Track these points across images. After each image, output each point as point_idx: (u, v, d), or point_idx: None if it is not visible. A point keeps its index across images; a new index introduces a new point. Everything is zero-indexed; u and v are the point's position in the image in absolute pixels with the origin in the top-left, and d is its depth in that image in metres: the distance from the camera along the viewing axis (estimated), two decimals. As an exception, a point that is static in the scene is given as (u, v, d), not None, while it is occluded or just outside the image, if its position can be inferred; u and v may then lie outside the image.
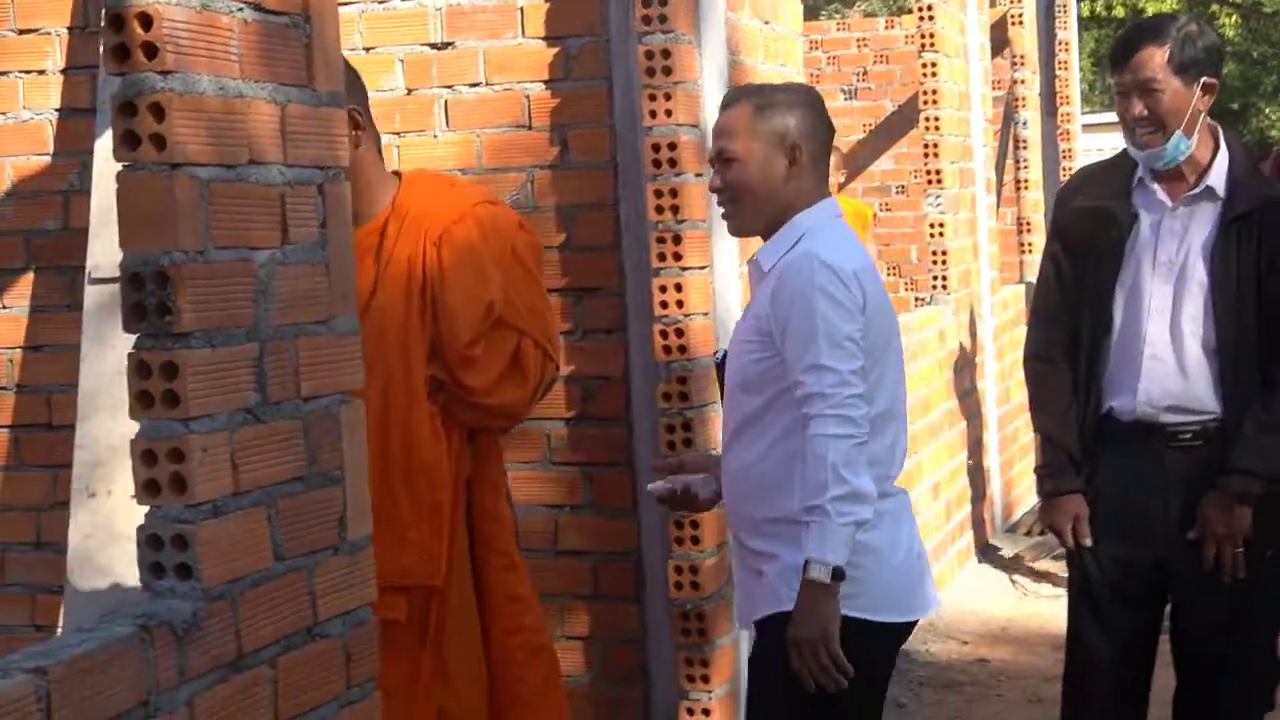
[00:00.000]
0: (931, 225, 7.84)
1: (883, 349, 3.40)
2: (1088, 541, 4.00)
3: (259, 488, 2.54)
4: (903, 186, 12.01)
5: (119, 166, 2.42)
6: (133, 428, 2.46)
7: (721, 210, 3.53)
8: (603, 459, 4.74)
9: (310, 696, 2.63)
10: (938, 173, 7.82)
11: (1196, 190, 3.91)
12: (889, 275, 12.02)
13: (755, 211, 3.46)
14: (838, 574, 3.20)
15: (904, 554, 3.46)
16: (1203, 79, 3.86)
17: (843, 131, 11.69)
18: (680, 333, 4.50)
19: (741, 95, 3.52)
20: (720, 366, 3.62)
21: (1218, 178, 3.91)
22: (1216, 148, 3.94)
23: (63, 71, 5.01)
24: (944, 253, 7.83)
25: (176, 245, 2.39)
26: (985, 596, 7.45)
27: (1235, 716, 4.00)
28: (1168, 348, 3.91)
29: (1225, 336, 3.85)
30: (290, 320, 2.64)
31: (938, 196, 7.80)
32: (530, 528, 4.76)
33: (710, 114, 4.60)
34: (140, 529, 2.41)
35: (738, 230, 3.55)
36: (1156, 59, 3.84)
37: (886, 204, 12.05)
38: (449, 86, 4.78)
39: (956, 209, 8.03)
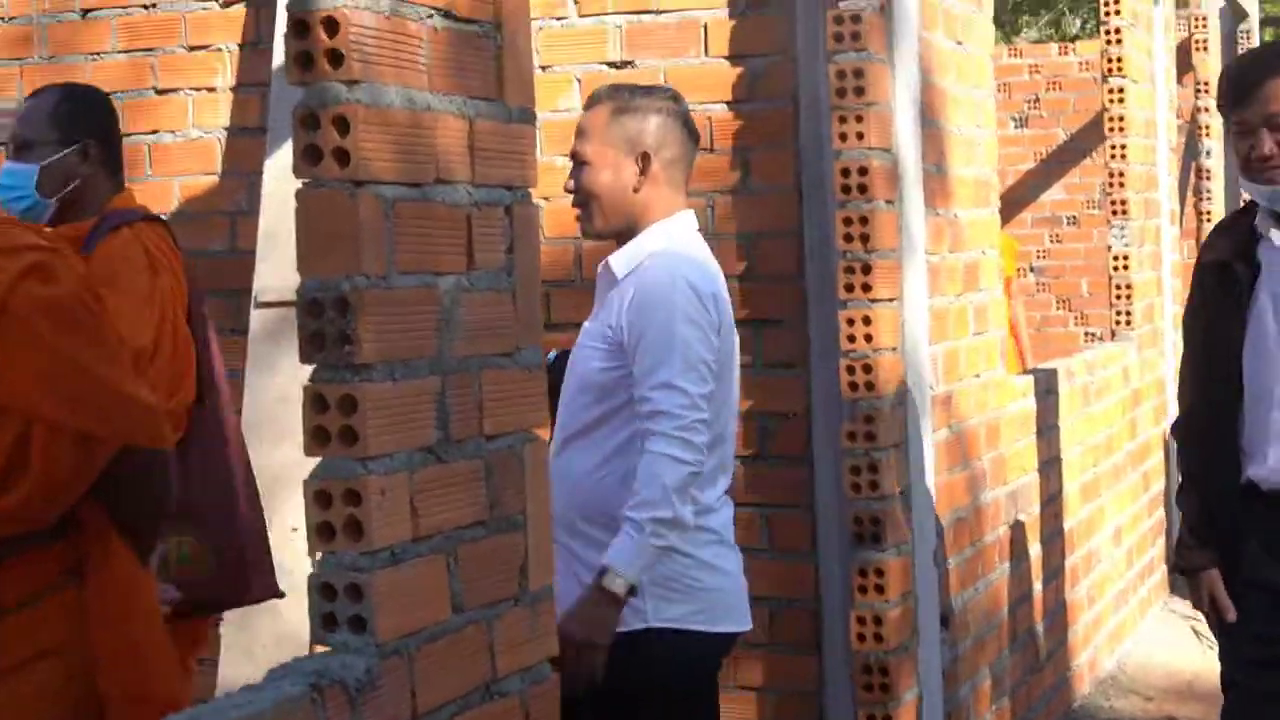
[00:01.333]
0: (1115, 258, 7.52)
1: (727, 372, 3.41)
2: (1230, 616, 3.66)
3: (439, 533, 2.34)
4: (1074, 217, 11.65)
5: (291, 186, 2.24)
6: (296, 456, 2.28)
7: (576, 212, 3.48)
8: (781, 500, 4.50)
9: (488, 760, 2.43)
10: (1123, 203, 7.50)
11: None
12: (1057, 309, 11.67)
13: (604, 217, 3.43)
14: (631, 590, 3.22)
15: (736, 565, 3.50)
16: None
17: (1012, 160, 11.39)
18: (868, 368, 4.26)
19: (602, 96, 3.46)
20: (550, 369, 3.51)
21: None
22: None
23: (232, 89, 4.90)
24: (1128, 286, 7.50)
25: (359, 269, 2.20)
26: (1169, 648, 7.10)
27: None
28: None
29: None
30: (474, 352, 2.44)
31: (1123, 228, 7.48)
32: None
33: (903, 138, 4.37)
34: (312, 577, 2.22)
35: (590, 234, 3.52)
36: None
37: (1057, 235, 11.70)
38: (627, 108, 4.58)
39: (1141, 241, 7.70)
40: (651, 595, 3.31)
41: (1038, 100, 11.69)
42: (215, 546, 3.48)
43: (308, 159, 2.20)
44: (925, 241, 4.50)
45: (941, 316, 4.71)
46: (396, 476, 2.26)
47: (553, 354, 3.58)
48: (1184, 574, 3.78)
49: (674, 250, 3.37)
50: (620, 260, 3.40)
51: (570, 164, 3.50)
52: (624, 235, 3.43)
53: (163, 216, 3.65)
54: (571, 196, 3.48)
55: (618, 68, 4.61)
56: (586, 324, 3.50)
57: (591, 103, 3.48)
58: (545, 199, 4.63)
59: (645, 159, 3.39)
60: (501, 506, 2.50)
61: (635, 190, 3.40)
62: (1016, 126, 11.71)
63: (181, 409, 3.42)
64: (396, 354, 2.27)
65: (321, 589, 2.21)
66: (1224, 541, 3.67)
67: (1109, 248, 7.56)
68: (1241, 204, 4.02)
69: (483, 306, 2.47)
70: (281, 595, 3.68)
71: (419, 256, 2.32)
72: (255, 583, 3.60)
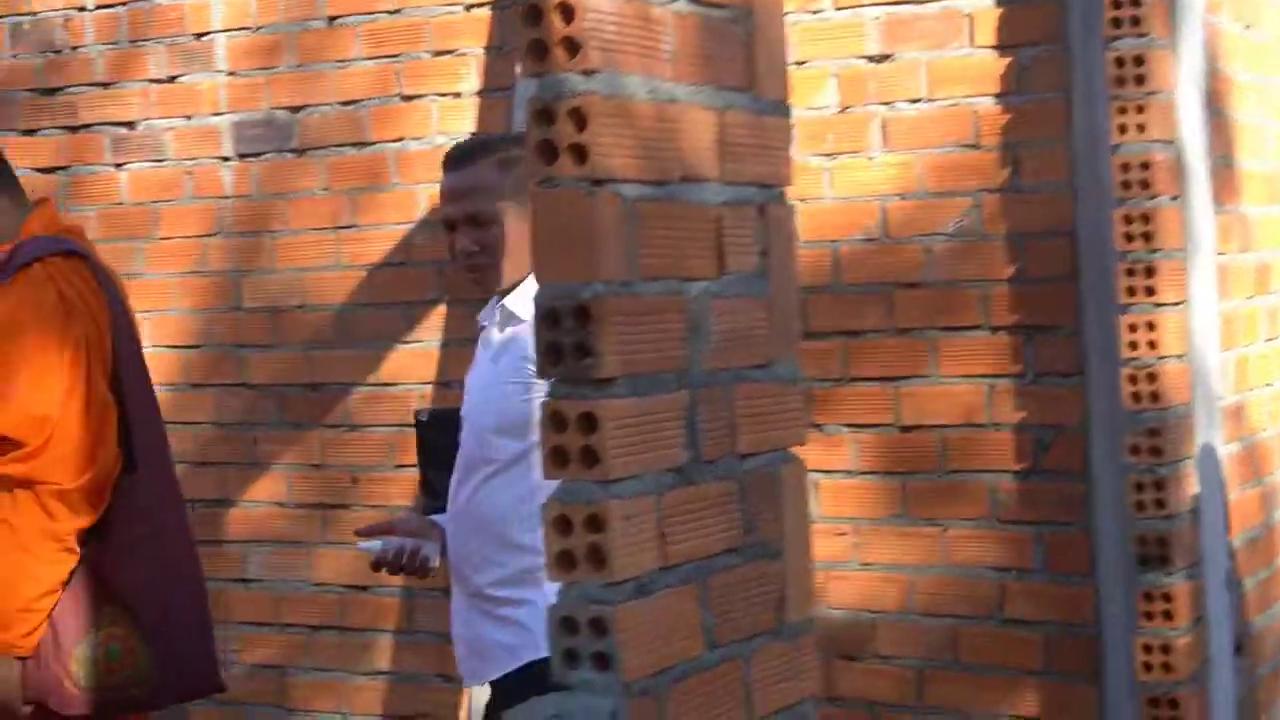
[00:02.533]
0: None
1: None
2: None
3: (689, 561, 2.15)
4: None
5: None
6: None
7: (470, 275, 3.39)
8: (1057, 518, 4.22)
9: (745, 810, 2.22)
10: None
11: None
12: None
13: (511, 271, 3.34)
14: None
15: None
16: None
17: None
18: (1152, 377, 3.96)
19: (474, 151, 3.41)
20: (424, 426, 3.65)
21: None
22: None
23: (478, 94, 4.78)
24: None
25: (599, 275, 2.02)
26: None
27: None
28: None
29: None
30: (726, 364, 2.25)
31: None
32: (974, 592, 4.29)
33: (1188, 128, 4.06)
34: (552, 609, 2.04)
35: (488, 292, 3.43)
36: None
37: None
38: (887, 103, 4.35)
39: None
40: None
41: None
42: (148, 638, 3.12)
43: (542, 156, 2.02)
44: (1213, 240, 4.17)
45: (1231, 321, 4.38)
46: (642, 500, 2.07)
47: (425, 413, 3.65)
48: None
49: None
50: (521, 301, 3.30)
51: (452, 227, 3.38)
52: (518, 280, 3.35)
53: (80, 249, 3.17)
54: (466, 259, 3.36)
55: (876, 61, 4.37)
56: (476, 374, 3.45)
57: (460, 161, 3.38)
58: (801, 200, 4.42)
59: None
60: (757, 532, 2.29)
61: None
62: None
63: (98, 483, 3.05)
64: (641, 367, 2.08)
65: (562, 623, 2.03)
66: None
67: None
68: None
69: (734, 314, 2.27)
70: (223, 689, 3.32)
71: (664, 261, 2.13)
72: (194, 677, 3.22)
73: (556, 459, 2.04)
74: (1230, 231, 4.40)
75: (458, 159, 3.40)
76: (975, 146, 4.25)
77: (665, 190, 2.14)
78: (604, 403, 2.02)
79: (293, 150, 5.05)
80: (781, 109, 2.38)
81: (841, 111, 4.42)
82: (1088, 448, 4.17)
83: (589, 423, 2.01)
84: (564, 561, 2.03)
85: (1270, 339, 4.69)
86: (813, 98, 4.41)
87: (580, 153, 2.01)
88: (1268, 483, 4.62)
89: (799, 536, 2.40)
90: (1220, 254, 4.29)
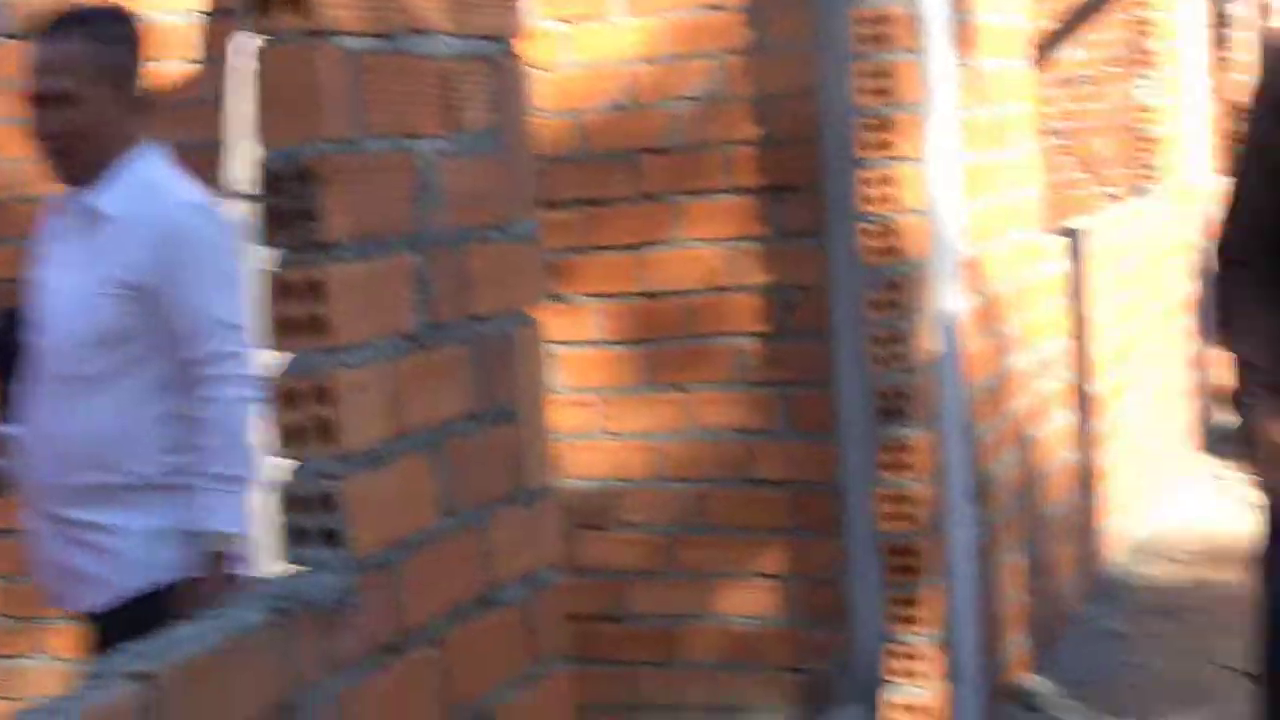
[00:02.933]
0: (1141, 110, 7.20)
1: None
2: None
3: (423, 429, 2.09)
4: (1093, 77, 11.27)
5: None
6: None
7: (52, 160, 3.08)
8: (802, 377, 4.23)
9: (484, 678, 2.19)
10: (1147, 53, 7.17)
11: None
12: (1077, 171, 11.32)
13: (93, 156, 3.06)
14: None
15: None
16: None
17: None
18: (890, 232, 3.98)
19: (70, 24, 3.05)
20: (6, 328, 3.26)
21: None
22: None
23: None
24: (1153, 140, 7.19)
25: (322, 133, 1.93)
26: (1202, 512, 6.87)
27: None
28: None
29: None
30: (458, 224, 2.17)
31: (1148, 79, 7.16)
32: (721, 455, 4.30)
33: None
34: (281, 488, 1.96)
35: (71, 180, 3.10)
36: None
37: (1076, 96, 11.31)
38: (627, -37, 4.28)
39: (1167, 93, 7.37)
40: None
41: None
42: None
43: (257, 4, 1.91)
44: (952, 94, 4.19)
45: (970, 175, 4.42)
46: (372, 368, 2.00)
47: (6, 312, 3.28)
48: (1251, 426, 3.40)
49: (174, 183, 3.08)
50: (109, 198, 3.03)
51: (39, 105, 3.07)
52: (100, 171, 3.06)
53: None
54: (51, 141, 3.06)
55: (615, -83, 4.28)
56: (58, 277, 3.10)
57: (54, 32, 3.05)
58: (544, 69, 4.34)
59: (126, 85, 3.07)
60: (493, 396, 2.24)
61: (120, 120, 3.06)
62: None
63: None
64: (369, 229, 2.00)
65: (290, 501, 1.95)
66: None
67: (1134, 101, 7.25)
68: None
69: (466, 173, 2.20)
70: None
71: (392, 117, 2.05)
72: None
73: (283, 329, 1.95)
74: (969, 86, 4.42)
75: (52, 30, 3.06)
76: (719, 8, 4.20)
77: (392, 43, 2.05)
78: (330, 268, 1.94)
79: None
80: (511, -42, 2.30)
81: (579, -28, 4.33)
82: (830, 306, 4.18)
83: (316, 291, 1.93)
84: (293, 436, 1.96)
85: (1010, 193, 4.75)
86: (548, -41, 4.31)
87: (299, 4, 1.90)
88: (1003, 333, 4.71)
89: (534, 400, 2.35)
90: (959, 108, 4.31)
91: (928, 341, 4.09)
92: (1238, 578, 5.87)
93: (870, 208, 3.99)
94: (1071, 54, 11.23)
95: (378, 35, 2.01)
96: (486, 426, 2.22)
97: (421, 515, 2.08)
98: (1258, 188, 3.26)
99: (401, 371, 2.04)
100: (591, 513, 4.46)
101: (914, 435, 4.05)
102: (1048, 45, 11.17)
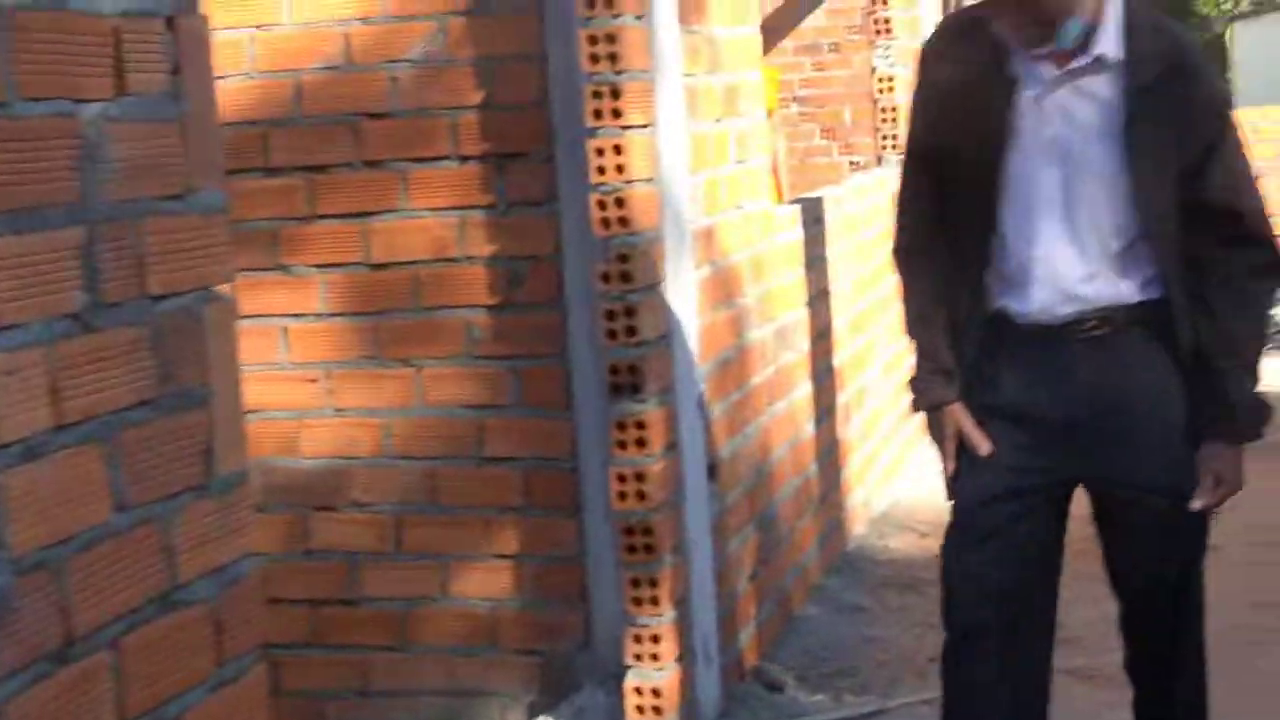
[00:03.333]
0: (880, 80, 7.23)
1: None
2: (984, 449, 3.27)
3: (91, 418, 1.92)
4: (835, 44, 11.34)
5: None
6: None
7: None
8: (533, 351, 4.13)
9: (166, 684, 2.02)
10: (886, 22, 7.20)
11: (1084, 61, 3.20)
12: (821, 139, 11.39)
13: None
14: None
15: None
16: None
17: (773, -15, 11.03)
18: (621, 202, 3.89)
19: None
20: None
21: (1109, 42, 3.20)
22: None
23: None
24: (894, 109, 7.23)
25: (-38, 95, 1.75)
26: (941, 483, 6.93)
27: (1186, 635, 3.43)
28: (1062, 243, 3.26)
29: (1135, 225, 3.24)
30: (131, 195, 2.00)
31: (888, 48, 7.19)
32: (451, 432, 4.17)
33: (651, -53, 3.96)
34: (-75, 482, 1.79)
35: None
36: None
37: (819, 63, 11.38)
38: (345, -82, 4.10)
39: (907, 62, 7.42)
40: None
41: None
42: None
43: (-118, -46, 1.73)
44: (680, 61, 4.11)
45: (701, 143, 4.36)
46: (27, 352, 1.82)
47: None
48: (926, 410, 3.44)
49: None
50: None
51: None
52: None
53: None
54: None
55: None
56: None
57: None
58: (258, 26, 4.15)
59: None
60: (176, 380, 2.08)
61: None
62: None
63: None
64: (21, 200, 1.82)
65: (-63, 498, 1.78)
66: (964, 372, 3.35)
67: (874, 70, 7.27)
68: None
69: (139, 140, 2.02)
70: None
71: (50, 79, 1.87)
72: None
73: (-77, 309, 1.77)
74: (698, 53, 4.35)
75: None
76: (438, -33, 4.05)
77: (47, -2, 1.87)
78: (-29, 243, 1.76)
79: None
80: (189, -95, 2.13)
81: (297, -73, 4.14)
82: (562, 278, 4.08)
83: (-40, 266, 1.76)
84: (-61, 426, 1.78)
85: (741, 162, 4.70)
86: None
87: (-69, -51, 1.73)
88: (739, 305, 4.66)
89: (227, 381, 2.19)
90: (688, 75, 4.24)
91: (660, 314, 4.01)
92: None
93: (601, 178, 3.89)
94: (815, 20, 11.32)
95: (31, -12, 1.84)
96: (169, 413, 2.06)
97: (91, 510, 1.91)
98: (921, 183, 3.30)
99: (63, 355, 1.87)
100: (320, 493, 4.30)
101: (648, 410, 3.97)
102: (790, 12, 11.24)
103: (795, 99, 11.24)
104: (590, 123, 3.87)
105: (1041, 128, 3.23)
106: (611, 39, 3.83)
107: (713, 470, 4.39)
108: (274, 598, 4.36)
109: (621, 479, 3.99)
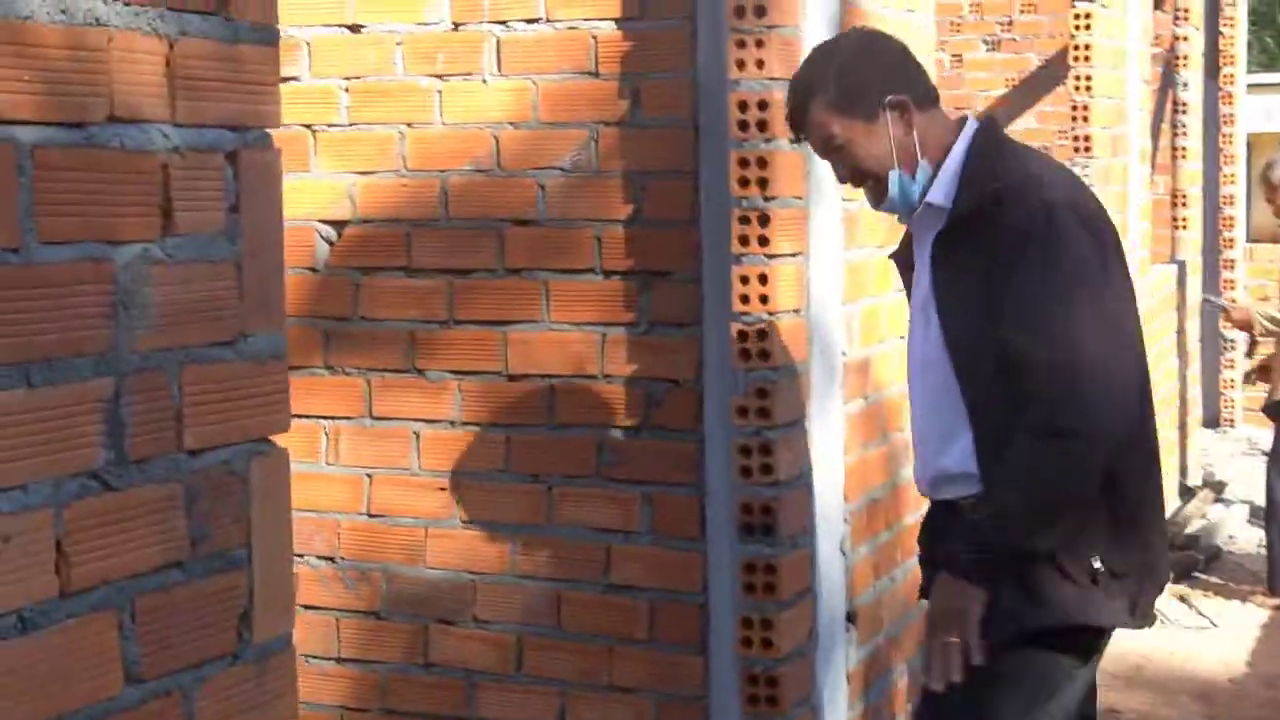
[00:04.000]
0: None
1: None
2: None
3: (104, 583, 1.78)
4: (1045, 148, 11.05)
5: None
6: None
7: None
8: (667, 478, 3.93)
9: None
10: (1086, 139, 6.93)
11: (918, 210, 3.17)
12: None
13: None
14: None
15: None
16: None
17: (982, 85, 10.79)
18: (763, 334, 3.69)
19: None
20: None
21: (939, 189, 3.12)
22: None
23: None
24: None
25: (-29, 240, 1.63)
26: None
27: None
28: (919, 411, 3.25)
29: (961, 387, 3.07)
30: (171, 343, 1.87)
31: (1086, 165, 6.90)
32: (577, 554, 3.99)
33: (814, 68, 3.77)
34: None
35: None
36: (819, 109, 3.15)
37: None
38: (502, 22, 3.98)
39: (1107, 180, 7.12)
40: None
41: (1011, 23, 11.06)
42: None
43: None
44: (839, 187, 3.91)
45: (859, 272, 4.15)
46: (30, 515, 1.69)
47: None
48: None
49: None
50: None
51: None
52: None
53: None
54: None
55: (494, -25, 3.99)
56: None
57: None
58: (409, 125, 4.05)
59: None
60: (211, 540, 1.93)
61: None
62: (988, 49, 11.09)
63: None
64: (37, 352, 1.69)
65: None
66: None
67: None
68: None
69: (185, 283, 1.89)
70: None
71: (79, 221, 1.74)
72: None
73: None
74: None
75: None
76: (594, 74, 3.90)
77: (84, 134, 1.75)
78: (-28, 397, 1.64)
79: None
80: (264, 34, 2.01)
81: (454, 29, 4.03)
82: (702, 404, 3.89)
83: (-42, 421, 1.63)
84: (-74, 593, 1.65)
85: (901, 289, 4.47)
86: (422, 13, 4.02)
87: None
88: (894, 440, 4.42)
89: (274, 540, 2.04)
90: (847, 201, 4.04)
91: (800, 452, 3.80)
92: (1150, 708, 5.58)
93: (744, 307, 3.70)
94: (1025, 123, 11.04)
95: (65, 124, 1.71)
96: (200, 576, 1.91)
97: (96, 685, 1.77)
98: None
99: (75, 518, 1.74)
100: (442, 605, 4.16)
101: (779, 555, 3.76)
102: (1000, 113, 10.96)
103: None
104: (736, 248, 3.69)
105: (916, 290, 3.26)
106: (763, 163, 3.65)
107: (851, 617, 4.15)
108: (390, 709, 4.23)
109: (748, 624, 3.78)
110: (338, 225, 4.14)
